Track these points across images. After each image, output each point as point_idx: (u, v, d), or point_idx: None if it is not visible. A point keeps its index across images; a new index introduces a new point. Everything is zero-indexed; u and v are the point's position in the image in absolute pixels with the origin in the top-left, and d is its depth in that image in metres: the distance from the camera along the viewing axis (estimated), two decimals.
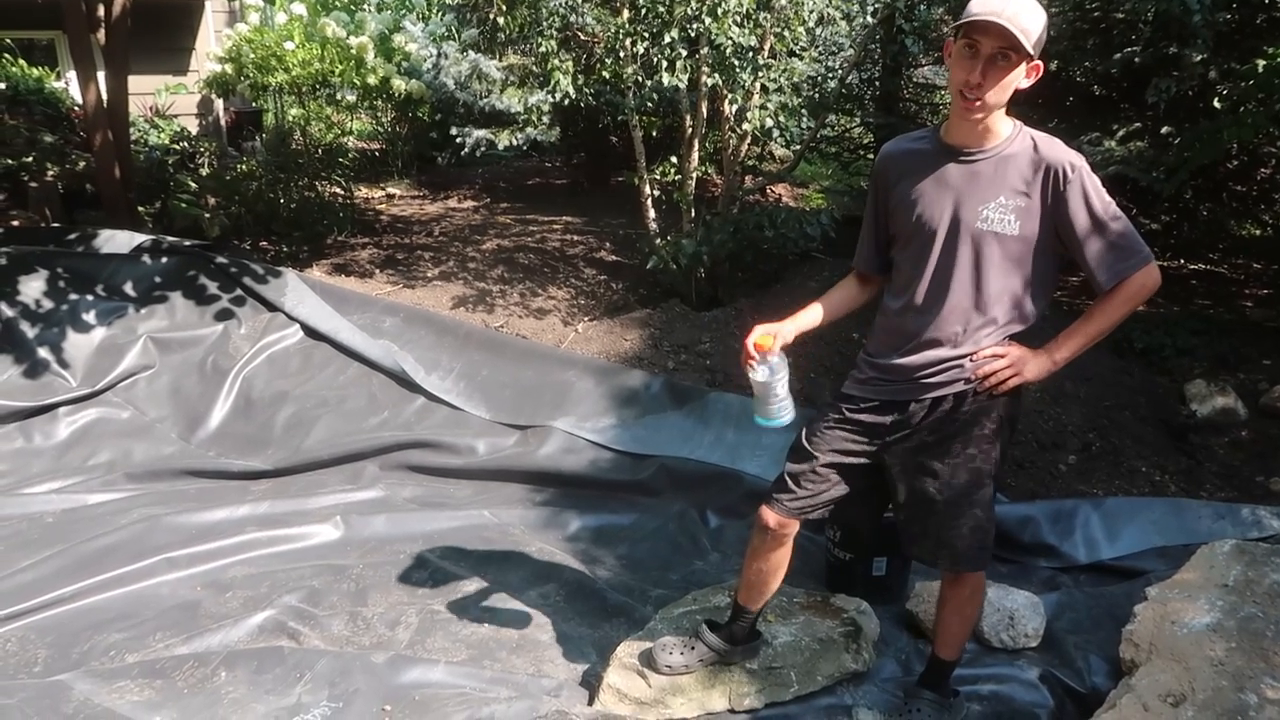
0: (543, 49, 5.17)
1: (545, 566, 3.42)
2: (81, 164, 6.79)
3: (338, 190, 7.24)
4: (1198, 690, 2.35)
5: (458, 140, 7.34)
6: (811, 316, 2.45)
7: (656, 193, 5.81)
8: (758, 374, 2.29)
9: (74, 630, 2.95)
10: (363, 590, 3.22)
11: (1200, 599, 2.74)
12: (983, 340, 2.21)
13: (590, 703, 2.65)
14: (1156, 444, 4.26)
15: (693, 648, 2.63)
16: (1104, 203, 2.10)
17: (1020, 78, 2.05)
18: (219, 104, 8.77)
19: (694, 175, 5.64)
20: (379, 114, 9.17)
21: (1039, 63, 2.06)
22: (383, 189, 8.61)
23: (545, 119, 6.04)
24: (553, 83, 5.14)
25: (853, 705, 2.66)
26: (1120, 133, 5.00)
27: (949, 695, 2.58)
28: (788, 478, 2.41)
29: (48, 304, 4.90)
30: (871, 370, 2.36)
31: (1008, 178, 2.12)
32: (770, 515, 2.42)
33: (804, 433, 2.44)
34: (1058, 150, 2.11)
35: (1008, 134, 2.14)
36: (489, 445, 4.32)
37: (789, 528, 2.43)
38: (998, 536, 3.51)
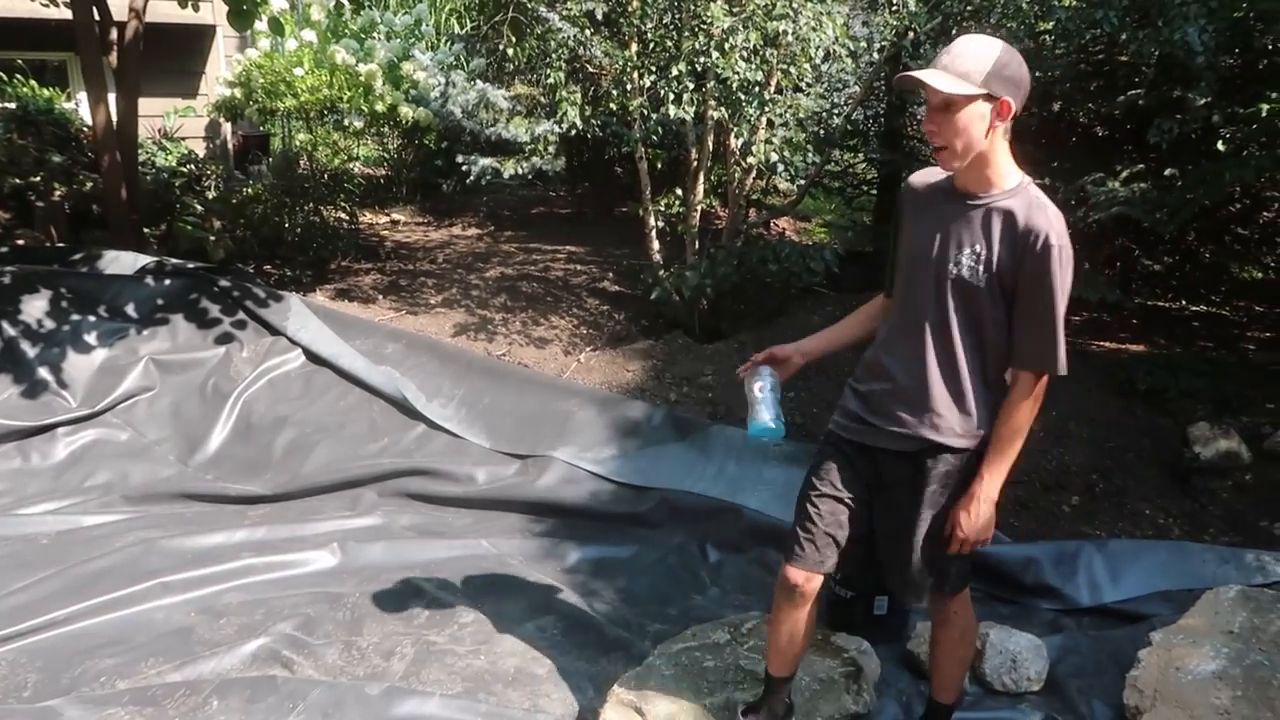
0: (551, 80, 5.21)
1: (543, 598, 3.38)
2: (89, 184, 6.81)
3: (342, 215, 7.27)
4: None
5: (463, 168, 7.36)
6: (825, 337, 2.52)
7: (661, 224, 5.83)
8: (753, 380, 2.38)
9: (66, 655, 2.92)
10: (358, 619, 3.18)
11: (1205, 645, 2.71)
12: (939, 400, 2.16)
13: None
14: (1160, 486, 4.24)
15: None
16: (1059, 294, 2.02)
17: (985, 118, 1.99)
18: (227, 127, 8.84)
19: (698, 207, 5.66)
20: (385, 140, 9.24)
21: (1007, 99, 1.98)
22: (387, 215, 8.65)
23: (551, 149, 6.06)
24: (560, 113, 5.18)
25: None
26: (1123, 174, 5.01)
27: None
28: (799, 529, 2.35)
29: (50, 324, 4.90)
30: (851, 399, 2.34)
31: (990, 228, 2.06)
32: (795, 572, 2.33)
33: (806, 479, 2.40)
34: (1046, 218, 2.02)
35: (1009, 186, 2.07)
36: (489, 474, 4.30)
37: (814, 582, 2.35)
38: (1000, 577, 3.54)
